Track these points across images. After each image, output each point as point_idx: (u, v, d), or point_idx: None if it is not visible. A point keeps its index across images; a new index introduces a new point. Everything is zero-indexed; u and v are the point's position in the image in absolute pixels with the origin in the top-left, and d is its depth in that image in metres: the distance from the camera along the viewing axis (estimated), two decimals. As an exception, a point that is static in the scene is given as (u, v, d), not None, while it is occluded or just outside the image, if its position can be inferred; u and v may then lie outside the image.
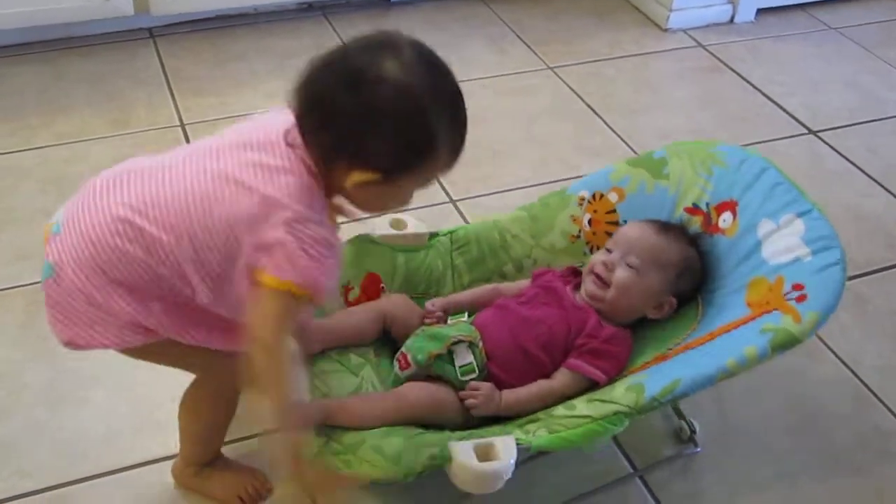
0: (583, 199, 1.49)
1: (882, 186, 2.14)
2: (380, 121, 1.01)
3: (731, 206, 1.39)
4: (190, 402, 1.29)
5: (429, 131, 1.03)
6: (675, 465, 1.44)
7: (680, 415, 1.46)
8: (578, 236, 1.49)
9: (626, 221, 1.46)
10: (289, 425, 1.10)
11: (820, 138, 2.30)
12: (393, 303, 1.41)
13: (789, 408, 1.56)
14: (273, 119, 1.11)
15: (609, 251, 1.38)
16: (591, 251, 1.47)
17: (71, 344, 1.13)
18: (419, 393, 1.28)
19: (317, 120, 1.04)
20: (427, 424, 1.26)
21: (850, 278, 1.82)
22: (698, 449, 1.45)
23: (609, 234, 1.45)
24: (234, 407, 1.30)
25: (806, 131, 2.33)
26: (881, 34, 2.83)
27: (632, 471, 1.42)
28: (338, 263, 1.10)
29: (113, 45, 2.46)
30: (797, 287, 1.22)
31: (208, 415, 1.30)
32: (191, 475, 1.35)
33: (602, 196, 1.48)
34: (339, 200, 1.12)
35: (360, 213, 1.18)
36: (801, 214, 1.32)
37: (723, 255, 1.37)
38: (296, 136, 1.07)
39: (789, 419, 1.54)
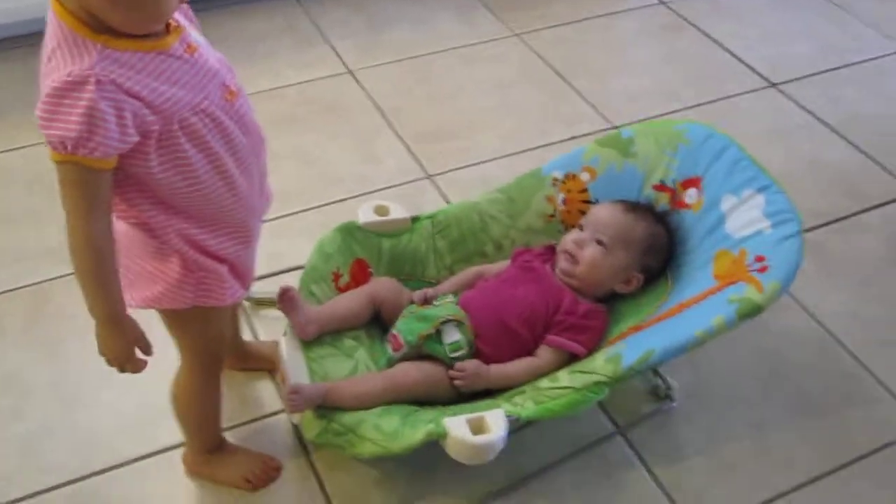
0: (556, 179, 1.57)
1: (841, 136, 2.22)
2: None
3: (695, 182, 1.47)
4: (176, 391, 1.37)
5: None
6: (654, 421, 1.54)
7: (656, 373, 1.56)
8: (553, 216, 1.57)
9: (598, 200, 1.54)
10: (109, 317, 1.12)
11: (781, 91, 2.38)
12: (381, 285, 1.49)
13: (758, 358, 1.66)
14: None
15: (580, 230, 1.46)
16: (566, 230, 1.56)
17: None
18: (413, 372, 1.36)
19: None
20: (421, 401, 1.36)
21: (812, 228, 1.93)
22: (674, 404, 1.55)
23: (582, 213, 1.54)
24: (217, 390, 1.38)
25: (767, 84, 2.40)
26: (837, -20, 2.89)
27: (614, 429, 1.52)
28: (86, 107, 0.97)
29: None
30: (759, 259, 1.32)
31: (194, 400, 1.38)
32: (199, 463, 1.44)
33: (574, 176, 1.56)
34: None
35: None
36: (761, 189, 1.41)
37: (689, 229, 1.46)
38: None
39: (759, 369, 1.64)
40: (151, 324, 1.22)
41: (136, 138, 1.03)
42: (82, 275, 1.09)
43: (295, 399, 1.27)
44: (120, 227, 1.14)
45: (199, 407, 1.39)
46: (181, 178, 1.09)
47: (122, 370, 1.18)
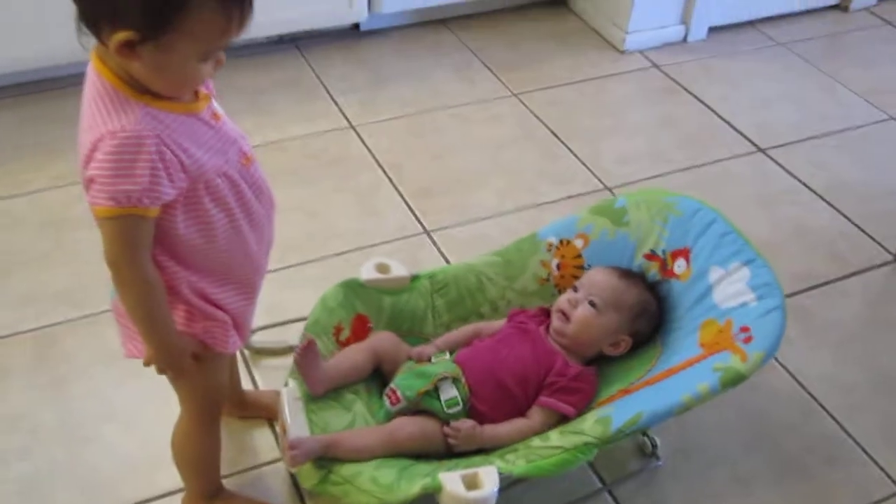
0: (551, 244, 1.64)
1: (825, 201, 2.30)
2: None
3: (684, 253, 1.54)
4: (175, 438, 1.42)
5: None
6: (640, 479, 1.59)
7: (643, 431, 1.61)
8: (548, 279, 1.63)
9: (590, 266, 1.61)
10: (164, 344, 1.20)
11: (768, 156, 2.46)
12: (383, 339, 1.54)
13: (743, 418, 1.72)
14: None
15: (575, 290, 1.53)
16: (560, 293, 1.62)
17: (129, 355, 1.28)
18: (409, 427, 1.42)
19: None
20: (417, 455, 1.41)
21: (795, 293, 1.99)
22: (660, 462, 1.60)
23: (575, 278, 1.60)
24: (216, 436, 1.43)
25: (755, 149, 2.49)
26: (824, 48, 2.99)
27: (601, 486, 1.57)
28: (150, 160, 1.05)
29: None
30: (744, 329, 1.39)
31: (193, 446, 1.42)
32: None
33: (569, 242, 1.63)
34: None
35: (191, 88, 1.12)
36: (747, 262, 1.48)
37: (678, 298, 1.53)
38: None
39: (743, 430, 1.70)
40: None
41: (177, 189, 1.10)
42: (140, 312, 1.17)
43: (296, 454, 1.32)
44: None
45: (198, 453, 1.44)
46: (200, 234, 1.16)
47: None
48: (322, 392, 1.43)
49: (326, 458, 1.36)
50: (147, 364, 1.23)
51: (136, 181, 1.04)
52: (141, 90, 1.07)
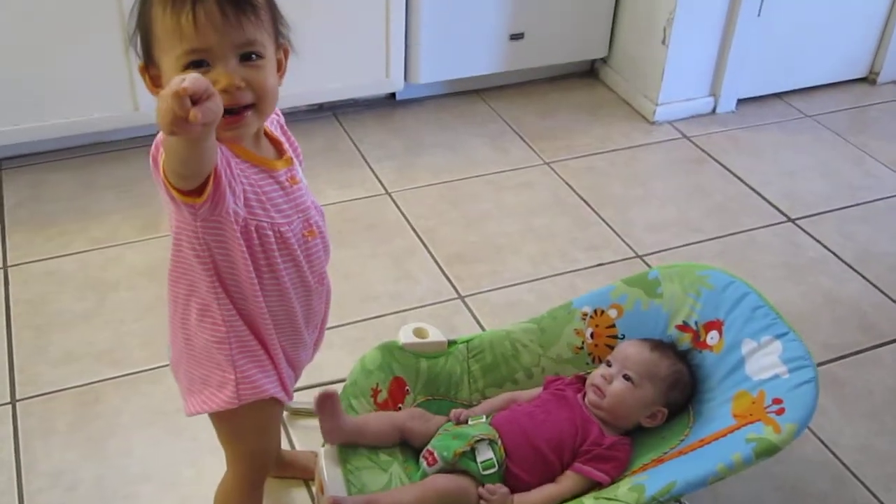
0: (585, 314, 1.67)
1: (855, 271, 2.32)
2: (134, 16, 1.10)
3: (717, 325, 1.57)
4: (218, 497, 1.44)
5: (141, 2, 1.08)
6: (672, 545, 1.59)
7: (676, 498, 1.62)
8: (582, 347, 1.66)
9: (624, 336, 1.64)
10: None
11: (798, 226, 2.49)
12: (409, 416, 1.54)
13: (775, 487, 1.72)
14: None
15: (609, 365, 1.56)
16: (594, 361, 1.65)
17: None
18: (444, 482, 1.43)
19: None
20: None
21: (827, 361, 2.00)
22: (693, 529, 1.60)
23: (609, 347, 1.63)
24: (258, 500, 1.44)
25: (785, 219, 2.51)
26: (852, 120, 3.04)
27: (634, 552, 1.57)
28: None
29: (142, 150, 2.64)
30: (776, 401, 1.41)
31: None
32: None
33: (603, 312, 1.67)
34: None
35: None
36: (778, 336, 1.50)
37: (710, 369, 1.55)
38: None
39: (774, 498, 1.70)
40: (203, 425, 1.29)
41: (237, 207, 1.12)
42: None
43: None
44: (197, 339, 1.23)
45: None
46: (246, 276, 1.17)
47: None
48: (335, 443, 1.45)
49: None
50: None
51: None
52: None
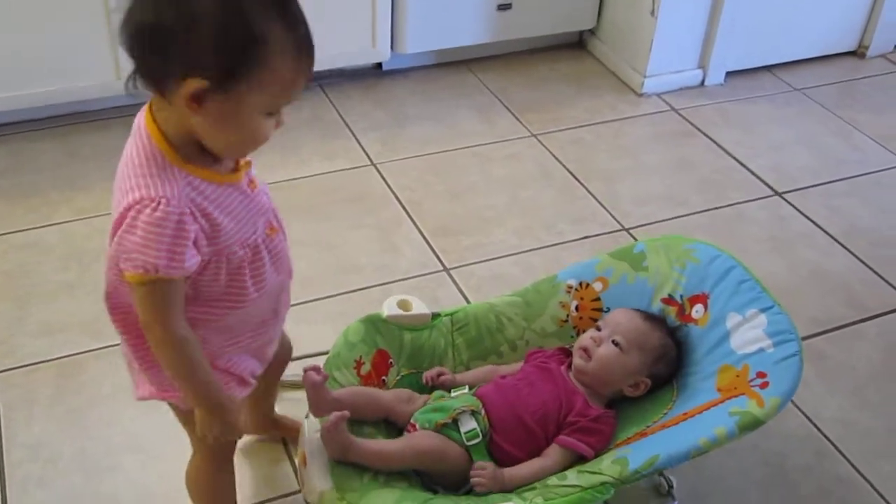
0: (570, 287, 1.66)
1: (842, 245, 2.31)
2: (199, 23, 0.99)
3: (702, 298, 1.56)
4: (189, 474, 1.43)
5: (249, 27, 1.00)
6: (655, 519, 1.60)
7: (659, 472, 1.62)
8: (566, 321, 1.66)
9: (609, 309, 1.63)
10: (207, 402, 1.20)
11: (785, 199, 2.48)
12: (397, 397, 1.53)
13: (759, 460, 1.72)
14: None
15: (598, 329, 1.55)
16: (578, 334, 1.64)
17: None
18: (429, 440, 1.43)
19: (145, 46, 1.03)
20: (435, 479, 1.43)
21: (812, 335, 2.00)
22: (676, 502, 1.60)
23: (594, 320, 1.62)
24: (229, 472, 1.44)
25: (772, 193, 2.51)
26: (840, 93, 3.03)
27: (617, 525, 1.58)
28: (185, 238, 1.06)
29: (125, 119, 2.59)
30: (760, 375, 1.40)
31: (207, 483, 1.43)
32: None
33: (588, 285, 1.66)
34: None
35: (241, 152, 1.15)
36: (763, 310, 1.49)
37: (695, 342, 1.55)
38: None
39: (759, 471, 1.70)
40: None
41: (203, 257, 1.11)
42: (178, 369, 1.16)
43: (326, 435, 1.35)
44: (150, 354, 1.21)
45: (212, 490, 1.45)
46: (208, 301, 1.18)
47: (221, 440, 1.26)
48: (322, 415, 1.44)
49: (346, 462, 1.36)
50: (202, 434, 1.24)
51: (166, 256, 1.05)
52: (188, 159, 1.08)
